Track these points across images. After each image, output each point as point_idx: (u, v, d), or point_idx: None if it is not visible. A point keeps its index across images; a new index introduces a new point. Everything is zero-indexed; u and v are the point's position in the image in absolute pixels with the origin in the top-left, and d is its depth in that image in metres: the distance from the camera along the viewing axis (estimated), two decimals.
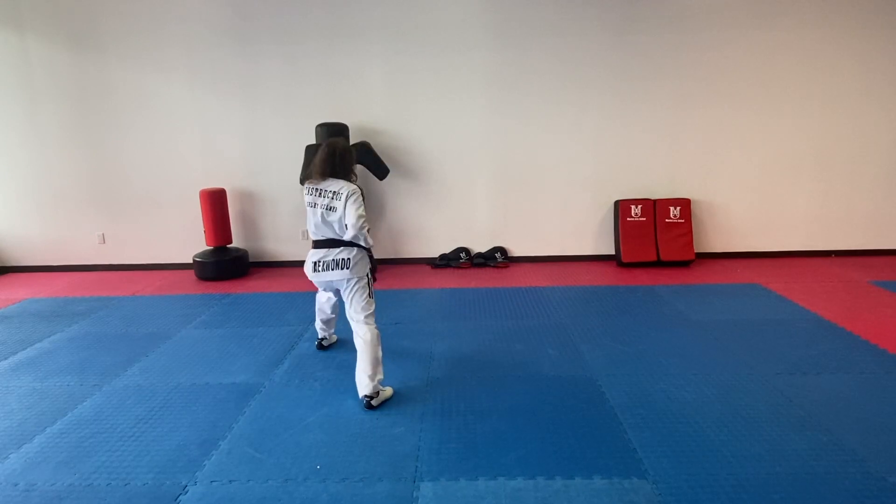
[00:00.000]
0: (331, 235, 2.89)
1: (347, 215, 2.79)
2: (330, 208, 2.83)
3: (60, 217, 5.84)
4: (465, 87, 5.46)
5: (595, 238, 5.80)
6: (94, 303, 4.79)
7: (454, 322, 4.10)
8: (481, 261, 5.73)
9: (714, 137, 5.51)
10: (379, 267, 5.72)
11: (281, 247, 5.89)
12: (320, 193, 2.85)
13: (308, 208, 2.91)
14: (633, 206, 5.53)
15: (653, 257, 5.50)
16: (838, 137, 5.47)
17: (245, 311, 4.48)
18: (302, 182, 4.92)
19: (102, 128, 5.62)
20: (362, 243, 2.90)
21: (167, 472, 2.37)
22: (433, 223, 5.80)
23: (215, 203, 5.40)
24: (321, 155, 2.89)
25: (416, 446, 2.51)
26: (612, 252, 5.76)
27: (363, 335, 2.89)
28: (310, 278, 3.01)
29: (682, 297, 4.51)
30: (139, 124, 5.60)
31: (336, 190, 2.83)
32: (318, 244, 2.94)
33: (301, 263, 5.59)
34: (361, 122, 5.51)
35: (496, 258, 5.73)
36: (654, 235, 5.52)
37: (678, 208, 5.53)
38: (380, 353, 2.90)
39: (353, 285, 2.93)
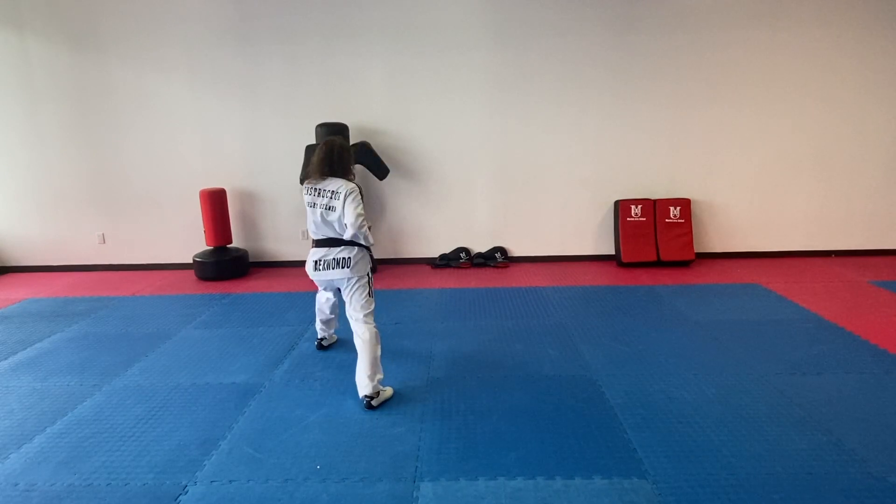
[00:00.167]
0: (331, 235, 2.89)
1: (346, 214, 2.79)
2: (329, 208, 2.83)
3: (60, 217, 5.84)
4: (465, 87, 5.46)
5: (595, 238, 5.80)
6: (94, 303, 4.79)
7: (454, 322, 4.10)
8: (481, 261, 5.73)
9: (714, 137, 5.51)
10: (379, 267, 5.72)
11: (281, 247, 5.89)
12: (319, 193, 2.85)
13: (308, 208, 2.91)
14: (633, 206, 5.53)
15: (653, 257, 5.50)
16: (838, 137, 5.47)
17: (245, 311, 4.48)
18: (302, 182, 4.92)
19: (102, 128, 5.62)
20: (362, 242, 2.90)
21: (167, 472, 2.37)
22: (433, 223, 5.80)
23: (215, 203, 5.40)
24: (319, 154, 2.89)
25: (416, 446, 2.51)
26: (612, 252, 5.76)
27: (362, 334, 2.89)
28: (311, 277, 3.01)
29: (682, 297, 4.51)
30: (139, 124, 5.60)
31: (335, 189, 2.83)
32: (318, 243, 2.94)
33: (301, 263, 5.62)
34: (361, 122, 5.51)
35: (496, 258, 5.73)
36: (654, 235, 5.52)
37: (678, 208, 5.53)
38: (379, 353, 2.90)
39: (354, 284, 2.93)
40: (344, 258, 2.88)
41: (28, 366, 3.52)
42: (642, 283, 4.96)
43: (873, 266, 5.28)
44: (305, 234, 5.70)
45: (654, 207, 5.56)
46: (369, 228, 2.88)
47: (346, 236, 2.85)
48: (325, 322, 3.56)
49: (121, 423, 2.77)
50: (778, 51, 5.31)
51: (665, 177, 5.62)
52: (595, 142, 5.55)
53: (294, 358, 3.52)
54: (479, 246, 5.84)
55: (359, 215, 2.79)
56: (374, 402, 2.83)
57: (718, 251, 5.77)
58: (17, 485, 2.32)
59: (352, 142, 5.30)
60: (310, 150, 4.98)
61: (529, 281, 5.12)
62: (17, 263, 5.99)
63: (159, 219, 5.81)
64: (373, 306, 2.98)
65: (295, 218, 5.69)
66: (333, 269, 2.90)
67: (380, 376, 2.89)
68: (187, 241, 5.76)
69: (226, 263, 5.47)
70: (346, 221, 2.80)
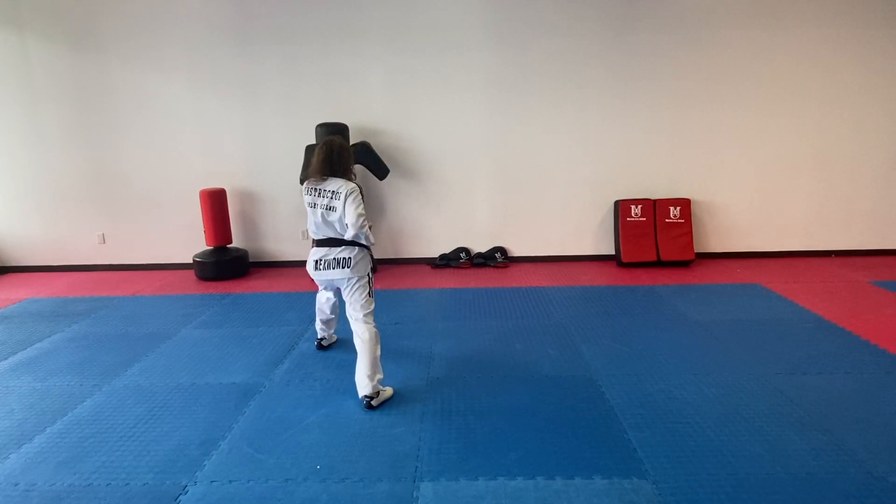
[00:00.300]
0: (332, 235, 2.89)
1: (347, 214, 2.79)
2: (329, 208, 2.83)
3: (60, 217, 5.84)
4: (465, 87, 5.46)
5: (595, 238, 5.80)
6: (94, 303, 4.79)
7: (454, 322, 4.10)
8: (481, 261, 5.73)
9: (714, 137, 5.51)
10: (379, 267, 5.72)
11: (281, 247, 5.89)
12: (319, 193, 2.85)
13: (308, 208, 2.90)
14: (633, 206, 5.53)
15: (653, 257, 5.50)
16: (838, 137, 5.47)
17: (245, 311, 4.48)
18: (302, 182, 4.92)
19: (102, 128, 5.62)
20: (363, 242, 2.90)
21: (167, 472, 2.37)
22: (433, 223, 5.80)
23: (215, 203, 5.40)
24: (319, 155, 2.89)
25: (416, 446, 2.51)
26: (612, 252, 5.76)
27: (361, 334, 2.89)
28: (311, 276, 3.02)
29: (682, 297, 4.51)
30: (139, 124, 5.60)
31: (335, 189, 2.83)
32: (319, 243, 2.94)
33: (301, 263, 5.65)
34: (361, 122, 5.51)
35: (496, 258, 5.73)
36: (654, 235, 5.52)
37: (678, 208, 5.53)
38: (378, 353, 2.90)
39: (354, 284, 2.93)
40: (345, 258, 2.88)
41: (28, 366, 3.52)
42: (642, 283, 4.96)
43: (873, 266, 5.28)
44: (305, 234, 5.70)
45: (654, 207, 5.56)
46: (370, 228, 2.88)
47: (348, 236, 2.85)
48: (326, 322, 3.56)
49: (121, 423, 2.77)
50: (778, 51, 5.31)
51: (665, 177, 5.62)
52: (595, 142, 5.55)
53: (294, 358, 3.52)
54: (479, 246, 5.84)
55: (360, 215, 2.79)
56: (373, 403, 2.83)
57: (718, 251, 5.77)
58: (17, 485, 2.32)
59: (352, 142, 5.30)
60: (310, 150, 4.98)
61: (529, 281, 5.12)
62: (17, 263, 5.99)
63: (159, 219, 5.81)
64: (373, 306, 2.98)
65: (295, 218, 5.69)
66: (334, 268, 2.90)
67: (379, 376, 2.89)
68: (187, 241, 5.76)
69: (226, 263, 5.47)
70: (347, 221, 2.80)
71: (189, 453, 2.50)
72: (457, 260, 5.74)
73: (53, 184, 5.75)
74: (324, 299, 3.45)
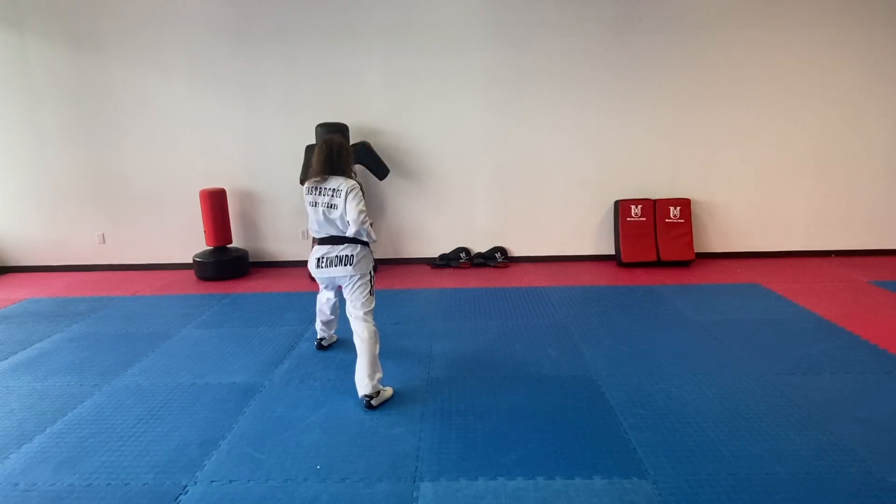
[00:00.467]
0: (334, 233, 2.90)
1: (348, 211, 2.80)
2: (331, 206, 2.84)
3: (60, 217, 5.84)
4: (465, 87, 5.46)
5: (595, 238, 5.80)
6: (94, 303, 4.79)
7: (454, 322, 4.10)
8: (481, 261, 5.73)
9: (714, 137, 5.51)
10: (379, 267, 5.72)
11: (281, 247, 5.89)
12: (320, 192, 2.86)
13: (309, 207, 2.91)
14: (633, 206, 5.53)
15: (653, 257, 5.50)
16: (838, 137, 5.47)
17: (245, 311, 4.48)
18: (302, 182, 4.92)
19: (102, 128, 5.62)
20: (365, 238, 2.90)
21: (167, 472, 2.37)
22: (433, 223, 5.80)
23: (215, 203, 5.40)
24: (319, 154, 2.90)
25: (416, 446, 2.51)
26: (612, 252, 5.76)
27: (360, 333, 2.89)
28: (313, 274, 3.02)
29: (682, 297, 4.51)
30: (139, 124, 5.60)
31: (335, 187, 2.84)
32: (321, 241, 2.94)
33: (301, 263, 5.65)
34: (361, 122, 5.51)
35: (496, 258, 5.73)
36: (654, 235, 5.52)
37: (678, 208, 5.53)
38: (377, 351, 2.90)
39: (356, 281, 2.94)
40: (347, 255, 2.89)
41: (28, 366, 3.52)
42: (642, 283, 4.96)
43: (873, 266, 5.28)
44: (305, 233, 5.71)
45: (654, 207, 5.56)
46: (371, 226, 2.89)
47: (349, 233, 2.85)
48: (326, 323, 3.56)
49: (121, 423, 2.77)
50: (778, 51, 5.31)
51: (665, 177, 5.62)
52: (595, 142, 5.55)
53: (294, 358, 3.52)
54: (479, 246, 5.84)
55: (361, 212, 2.80)
56: (373, 402, 2.83)
57: (718, 251, 5.77)
58: (17, 485, 2.32)
59: (352, 142, 5.30)
60: (310, 150, 4.98)
61: (529, 281, 5.12)
62: (17, 263, 5.99)
63: (159, 219, 5.81)
64: (373, 305, 2.99)
65: (295, 218, 5.69)
66: (336, 266, 2.91)
67: (379, 375, 2.89)
68: (187, 241, 5.76)
69: (226, 263, 5.47)
70: (348, 218, 2.81)
71: (189, 453, 2.50)
72: (457, 260, 5.74)
73: (53, 184, 5.75)
74: (324, 300, 3.45)
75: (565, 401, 2.88)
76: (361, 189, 2.94)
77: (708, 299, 4.46)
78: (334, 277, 2.98)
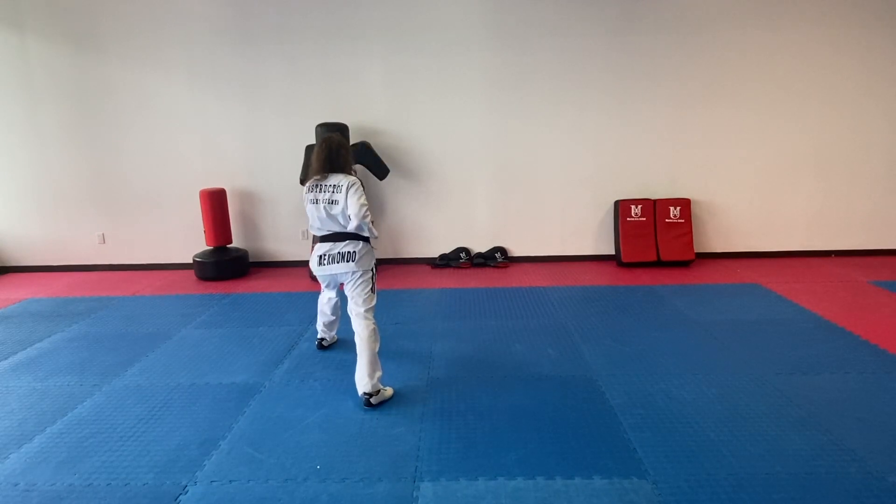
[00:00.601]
0: (336, 229, 2.91)
1: (350, 205, 2.82)
2: (332, 202, 2.85)
3: (60, 217, 5.84)
4: (465, 87, 5.46)
5: (595, 238, 5.80)
6: (94, 303, 4.79)
7: (454, 322, 4.10)
8: (481, 261, 5.73)
9: (714, 137, 5.51)
10: (379, 267, 5.71)
11: (281, 247, 5.89)
12: (321, 189, 2.89)
13: (310, 205, 2.92)
14: (633, 206, 5.53)
15: (653, 257, 5.50)
16: (838, 137, 5.47)
17: (245, 311, 4.48)
18: (303, 182, 4.92)
19: (102, 128, 5.62)
20: (366, 233, 2.91)
21: (167, 472, 2.37)
22: (433, 223, 5.80)
23: (215, 203, 5.40)
24: (318, 153, 2.93)
25: (416, 446, 2.51)
26: (612, 252, 5.76)
27: (361, 331, 2.90)
28: (314, 272, 3.03)
29: (682, 297, 4.51)
30: (139, 124, 5.60)
31: (336, 183, 2.86)
32: (323, 239, 2.95)
33: (301, 263, 5.65)
34: (361, 122, 5.51)
35: (496, 258, 5.73)
36: (654, 235, 5.52)
37: (678, 208, 5.53)
38: (377, 349, 2.91)
39: (358, 278, 2.95)
40: (349, 252, 2.90)
41: (28, 366, 3.52)
42: (642, 283, 4.96)
43: (873, 266, 5.28)
44: (305, 233, 5.71)
45: (654, 207, 5.56)
46: (372, 222, 2.90)
47: (350, 227, 2.86)
48: (328, 325, 3.56)
49: (121, 423, 2.77)
50: (778, 51, 5.31)
51: (665, 177, 5.62)
52: (595, 142, 5.55)
53: (294, 358, 3.52)
54: (479, 246, 5.84)
55: (362, 205, 2.81)
56: (373, 400, 2.83)
57: (718, 251, 5.77)
58: (17, 485, 2.32)
59: (352, 142, 5.30)
60: (310, 150, 4.98)
61: (529, 281, 5.12)
62: (17, 263, 5.99)
63: (159, 219, 5.81)
64: (374, 302, 3.00)
65: (295, 218, 5.69)
66: (338, 262, 2.91)
67: (379, 373, 2.89)
68: (187, 241, 5.76)
69: (226, 263, 5.47)
70: (349, 212, 2.82)
71: (189, 453, 2.50)
72: (457, 260, 5.74)
73: (53, 184, 5.75)
74: (325, 300, 3.45)
75: (565, 401, 2.88)
76: (362, 185, 2.95)
77: (708, 299, 4.46)
78: (336, 275, 2.98)
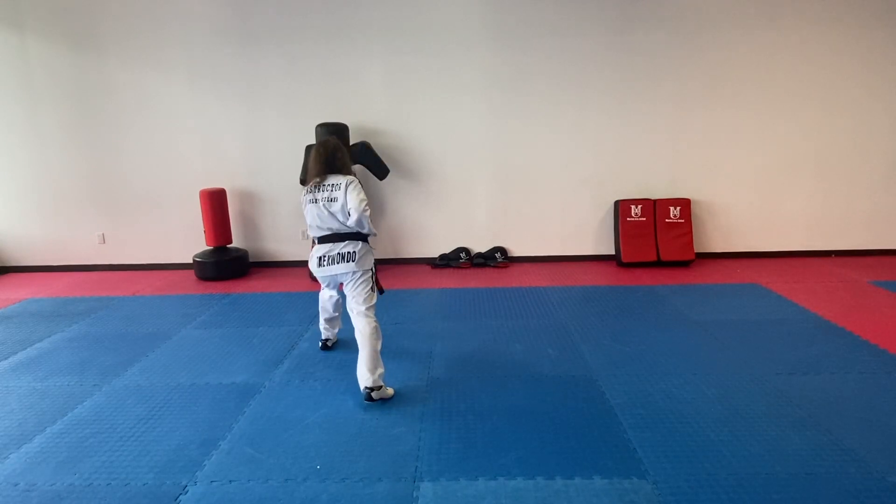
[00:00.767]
0: (336, 227, 2.92)
1: (349, 200, 2.84)
2: (331, 199, 2.88)
3: (60, 217, 5.84)
4: (465, 87, 5.46)
5: (595, 238, 5.80)
6: (94, 303, 4.79)
7: (454, 322, 4.10)
8: (481, 261, 5.73)
9: (714, 137, 5.51)
10: (379, 267, 5.70)
11: (281, 247, 5.89)
12: (320, 189, 2.92)
13: (308, 206, 2.93)
14: (633, 206, 5.53)
15: (653, 257, 5.50)
16: (838, 137, 5.47)
17: (245, 311, 4.48)
18: (303, 182, 4.93)
19: (102, 128, 5.62)
20: (366, 229, 2.92)
21: (167, 472, 2.37)
22: (433, 223, 5.80)
23: (215, 203, 5.40)
24: (315, 157, 2.98)
25: (416, 446, 2.51)
26: (612, 252, 5.76)
27: (362, 328, 2.90)
28: (314, 273, 3.03)
29: (682, 297, 4.51)
30: (139, 124, 5.60)
31: (334, 182, 2.90)
32: (323, 239, 2.95)
33: (301, 263, 5.65)
34: (361, 122, 5.51)
35: (496, 258, 5.73)
36: (654, 235, 5.52)
37: (678, 208, 5.53)
38: (379, 346, 2.91)
39: (359, 278, 2.96)
40: (349, 252, 2.91)
41: (28, 366, 3.52)
42: (642, 283, 4.96)
43: (873, 266, 5.28)
44: (305, 233, 5.70)
45: (654, 207, 5.56)
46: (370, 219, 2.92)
47: (350, 222, 2.87)
48: (329, 321, 3.56)
49: (121, 423, 2.77)
50: (778, 51, 5.31)
51: (665, 177, 5.62)
52: (595, 142, 5.55)
53: (294, 358, 3.52)
54: (479, 246, 5.84)
55: (362, 200, 2.84)
56: (374, 395, 2.83)
57: (718, 251, 5.77)
58: (17, 485, 2.32)
59: (352, 142, 5.31)
60: (310, 150, 4.97)
61: (529, 281, 5.12)
62: (17, 263, 5.99)
63: (159, 219, 5.81)
64: (375, 301, 3.01)
65: (295, 218, 5.69)
66: (338, 263, 2.92)
67: (381, 370, 2.89)
68: (187, 241, 5.76)
69: (226, 263, 5.47)
70: (349, 208, 2.85)
71: (189, 453, 2.50)
72: (457, 260, 5.74)
73: (53, 184, 5.75)
74: (326, 297, 3.45)
75: (565, 401, 2.88)
76: (361, 185, 2.97)
77: (708, 299, 4.46)
78: (336, 275, 2.99)
